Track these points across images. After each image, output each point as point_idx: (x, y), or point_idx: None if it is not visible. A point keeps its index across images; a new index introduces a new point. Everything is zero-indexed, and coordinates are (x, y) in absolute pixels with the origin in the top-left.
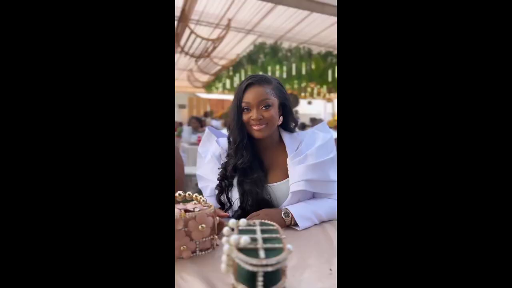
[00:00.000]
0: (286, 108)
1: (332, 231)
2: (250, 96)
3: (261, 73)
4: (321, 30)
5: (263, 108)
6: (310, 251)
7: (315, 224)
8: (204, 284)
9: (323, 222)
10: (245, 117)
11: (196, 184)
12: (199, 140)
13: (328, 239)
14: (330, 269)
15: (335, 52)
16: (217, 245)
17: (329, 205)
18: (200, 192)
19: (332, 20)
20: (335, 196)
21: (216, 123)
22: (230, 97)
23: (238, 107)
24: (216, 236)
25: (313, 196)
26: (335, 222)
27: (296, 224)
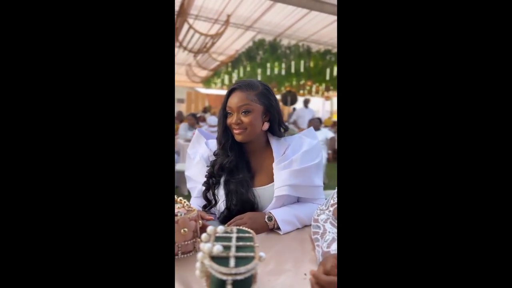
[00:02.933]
0: (272, 115)
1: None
2: (232, 101)
3: (259, 70)
4: (320, 28)
5: (243, 113)
6: (289, 256)
7: (298, 229)
8: (180, 286)
9: (306, 226)
10: (228, 120)
11: None
12: None
13: (309, 244)
14: (305, 274)
15: (334, 50)
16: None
17: (313, 210)
18: None
19: (331, 19)
20: (319, 201)
21: (214, 119)
22: None
23: (223, 111)
24: (199, 239)
25: (298, 200)
26: None
27: (279, 228)
